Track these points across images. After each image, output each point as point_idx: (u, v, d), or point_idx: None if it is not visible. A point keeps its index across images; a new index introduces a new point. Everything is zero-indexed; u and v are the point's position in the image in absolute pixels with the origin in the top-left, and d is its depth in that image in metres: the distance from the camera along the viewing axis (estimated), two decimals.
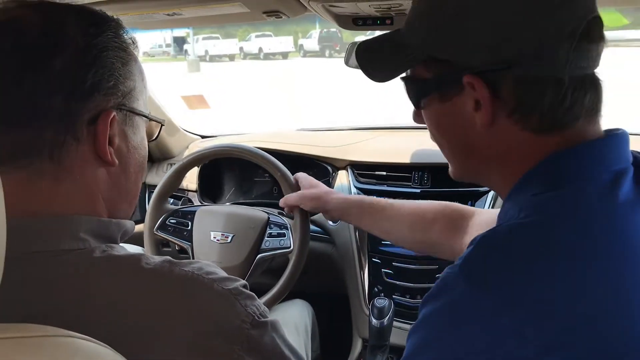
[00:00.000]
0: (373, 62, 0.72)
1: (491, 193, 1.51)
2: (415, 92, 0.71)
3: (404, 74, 0.73)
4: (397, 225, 1.18)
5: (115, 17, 0.69)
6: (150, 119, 0.74)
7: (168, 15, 1.11)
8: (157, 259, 0.63)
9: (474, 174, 0.73)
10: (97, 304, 0.58)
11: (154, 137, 0.76)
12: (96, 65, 0.63)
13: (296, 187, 1.34)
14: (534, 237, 0.56)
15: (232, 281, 0.65)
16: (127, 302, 0.59)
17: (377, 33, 1.58)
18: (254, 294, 0.66)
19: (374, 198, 1.26)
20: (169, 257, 0.64)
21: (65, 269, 0.59)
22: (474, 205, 1.50)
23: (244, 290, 0.65)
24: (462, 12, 0.62)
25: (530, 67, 0.60)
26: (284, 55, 23.95)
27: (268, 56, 23.78)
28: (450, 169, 0.76)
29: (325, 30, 23.80)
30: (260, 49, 23.78)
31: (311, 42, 24.08)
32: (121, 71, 0.66)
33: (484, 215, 1.11)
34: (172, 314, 0.59)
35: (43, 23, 0.61)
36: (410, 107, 0.76)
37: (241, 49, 24.51)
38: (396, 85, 0.78)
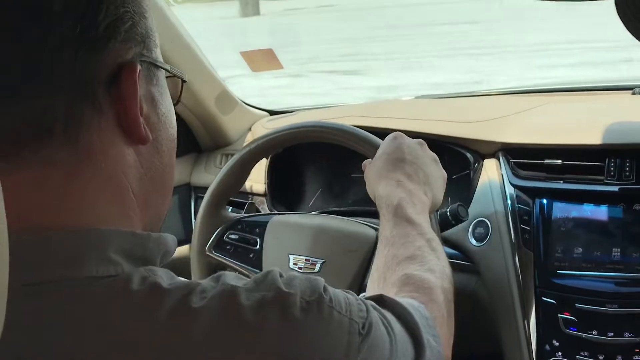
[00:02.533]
0: None
1: None
2: None
3: None
4: None
5: None
6: (179, 76, 0.77)
7: None
8: (212, 286, 0.64)
9: None
10: (144, 351, 0.59)
11: (175, 101, 0.78)
12: (106, 1, 0.64)
13: None
14: None
15: (308, 283, 0.67)
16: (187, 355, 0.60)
17: None
18: (339, 291, 0.70)
19: None
20: (226, 279, 0.66)
21: (92, 304, 0.60)
22: None
23: (328, 288, 0.68)
24: None
25: None
26: None
27: None
28: None
29: None
30: None
31: None
32: (134, 5, 0.68)
33: None
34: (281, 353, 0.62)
35: None
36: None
37: None
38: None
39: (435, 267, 0.99)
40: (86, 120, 0.64)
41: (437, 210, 1.35)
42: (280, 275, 0.67)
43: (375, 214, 1.60)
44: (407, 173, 1.13)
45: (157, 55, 0.72)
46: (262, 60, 2.11)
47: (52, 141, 0.62)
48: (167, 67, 0.74)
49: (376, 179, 1.15)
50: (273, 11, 19.15)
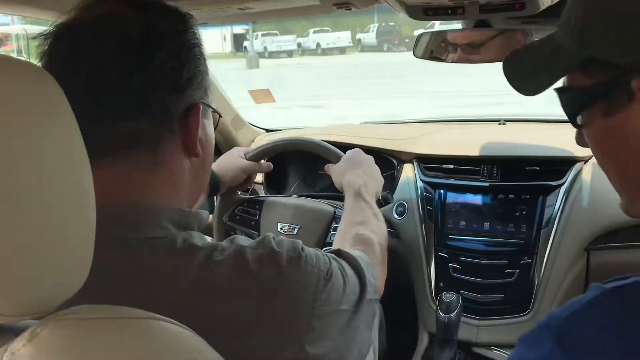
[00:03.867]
0: (522, 70, 0.63)
1: (563, 187, 1.46)
2: (572, 105, 0.60)
3: (558, 85, 0.62)
4: None
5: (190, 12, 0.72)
6: (218, 113, 0.78)
7: (240, 9, 1.12)
8: (229, 246, 0.66)
9: None
10: (183, 288, 0.60)
11: (215, 127, 0.79)
12: (189, 62, 0.67)
13: None
14: None
15: (292, 245, 0.68)
16: (211, 287, 0.61)
17: (446, 25, 1.53)
18: (312, 250, 0.70)
19: None
20: (237, 241, 0.67)
21: (150, 255, 0.61)
22: (545, 201, 1.46)
23: (305, 249, 0.69)
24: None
25: None
26: (342, 51, 23.96)
27: (325, 51, 23.86)
28: (620, 202, 0.64)
29: (383, 24, 23.64)
30: (318, 45, 23.88)
31: (369, 37, 23.99)
32: (204, 67, 0.71)
33: None
34: (274, 291, 0.63)
35: (143, 20, 0.64)
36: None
37: (299, 44, 24.65)
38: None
39: (377, 230, 1.02)
40: (164, 139, 0.66)
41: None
42: (273, 238, 0.68)
43: (333, 198, 1.63)
44: (362, 171, 1.19)
45: (210, 99, 0.74)
46: (262, 96, 2.13)
47: (139, 150, 0.64)
48: (214, 106, 0.76)
49: (343, 173, 1.20)
50: (268, 65, 19.14)
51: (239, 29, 25.43)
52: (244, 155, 1.42)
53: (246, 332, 0.61)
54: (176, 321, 0.52)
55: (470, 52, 1.43)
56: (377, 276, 0.85)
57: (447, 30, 1.45)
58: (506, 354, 1.40)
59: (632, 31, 0.51)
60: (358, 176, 1.16)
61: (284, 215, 1.46)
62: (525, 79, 0.62)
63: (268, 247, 0.66)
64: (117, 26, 0.63)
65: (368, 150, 1.69)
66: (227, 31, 26.33)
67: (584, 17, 0.55)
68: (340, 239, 0.99)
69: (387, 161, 1.70)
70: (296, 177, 1.88)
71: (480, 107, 8.27)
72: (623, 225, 1.41)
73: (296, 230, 1.43)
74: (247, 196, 1.53)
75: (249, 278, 0.63)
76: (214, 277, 0.62)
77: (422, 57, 1.44)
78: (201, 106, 0.69)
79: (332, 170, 1.26)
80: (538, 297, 1.41)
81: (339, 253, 0.79)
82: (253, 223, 1.47)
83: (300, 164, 1.87)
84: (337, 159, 1.35)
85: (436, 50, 1.46)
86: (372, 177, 1.20)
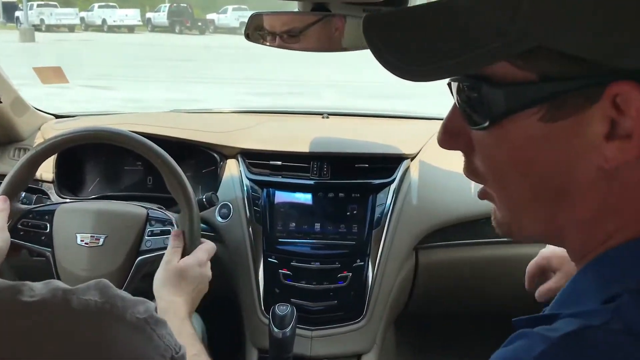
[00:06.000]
0: (417, 51, 0.47)
1: (393, 185, 1.42)
2: (495, 102, 0.46)
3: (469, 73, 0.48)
4: None
5: None
6: None
7: None
8: (40, 286, 0.47)
9: (557, 234, 0.51)
10: None
11: None
12: None
13: (180, 179, 1.15)
14: None
15: (142, 304, 0.51)
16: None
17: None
18: (164, 319, 0.53)
19: None
20: (56, 282, 0.48)
21: None
22: (375, 200, 1.41)
23: (156, 315, 0.52)
24: None
25: None
26: (130, 29, 22.76)
27: (112, 29, 22.45)
28: (504, 227, 0.54)
29: (175, 4, 23.02)
30: (104, 21, 22.38)
31: (159, 16, 23.20)
32: None
33: None
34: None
35: None
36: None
37: (82, 19, 22.83)
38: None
39: None
40: None
41: (196, 198, 1.20)
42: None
43: (142, 198, 1.41)
44: (182, 289, 1.05)
45: None
46: (51, 75, 1.78)
47: None
48: None
49: (162, 285, 1.06)
50: (46, 40, 17.22)
51: None
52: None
53: None
54: None
55: (288, 40, 1.34)
56: None
57: (263, 13, 1.33)
58: None
59: (617, 20, 0.40)
60: (174, 292, 1.04)
61: (84, 224, 1.21)
62: (422, 63, 0.46)
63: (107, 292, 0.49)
64: None
65: (184, 143, 1.51)
66: None
67: None
68: None
69: (208, 156, 1.51)
70: (95, 173, 1.60)
71: (278, 97, 8.38)
72: (449, 224, 1.43)
73: (102, 240, 1.19)
74: (32, 206, 1.23)
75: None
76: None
77: (250, 40, 1.31)
78: None
79: (159, 272, 1.10)
80: (371, 302, 1.36)
81: None
82: (44, 238, 1.18)
83: (100, 157, 1.59)
84: (148, 153, 1.15)
85: (252, 35, 1.33)
86: (189, 294, 1.06)
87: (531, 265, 0.96)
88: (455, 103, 0.52)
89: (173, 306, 1.00)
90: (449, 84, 0.52)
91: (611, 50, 0.40)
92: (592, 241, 0.47)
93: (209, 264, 1.13)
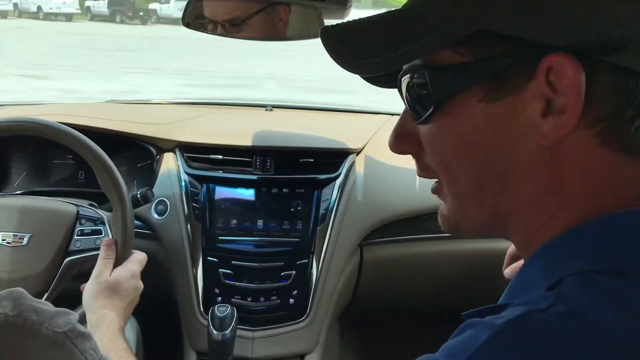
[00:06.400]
0: (366, 45, 0.49)
1: (338, 181, 1.39)
2: (439, 86, 0.47)
3: (416, 61, 0.50)
4: None
5: None
6: None
7: None
8: None
9: (502, 222, 0.50)
10: None
11: None
12: None
13: (113, 176, 1.09)
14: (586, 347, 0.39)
15: (63, 315, 0.47)
16: None
17: None
18: (89, 331, 0.49)
19: None
20: None
21: None
22: (320, 195, 1.38)
23: (79, 328, 0.48)
24: None
25: None
26: (68, 17, 21.94)
27: (49, 16, 21.56)
28: (449, 221, 0.54)
29: None
30: (40, 8, 21.46)
31: (99, 5, 22.49)
32: None
33: None
34: None
35: None
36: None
37: (16, 5, 21.86)
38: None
39: None
40: None
41: (130, 194, 1.14)
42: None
43: (73, 194, 1.33)
44: (115, 304, 0.99)
45: None
46: None
47: None
48: None
49: (93, 298, 0.99)
50: None
51: None
52: None
53: None
54: None
55: (231, 29, 1.29)
56: None
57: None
58: None
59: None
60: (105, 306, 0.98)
61: (7, 221, 1.13)
62: (372, 55, 0.48)
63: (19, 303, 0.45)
64: None
65: (118, 135, 1.43)
66: None
67: None
68: None
69: (144, 150, 1.44)
70: (22, 167, 1.49)
71: (220, 89, 8.24)
72: (393, 220, 1.41)
73: (26, 239, 1.12)
74: None
75: None
76: None
77: (191, 27, 1.25)
78: None
79: (89, 285, 1.03)
80: (315, 300, 1.33)
81: None
82: None
83: (28, 150, 1.49)
84: (79, 146, 1.08)
85: (193, 23, 1.28)
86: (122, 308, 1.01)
87: (512, 248, 0.96)
88: (404, 110, 0.54)
89: (105, 320, 0.94)
90: (399, 82, 0.53)
91: (545, 28, 0.42)
92: (534, 224, 0.47)
93: (139, 274, 1.07)
